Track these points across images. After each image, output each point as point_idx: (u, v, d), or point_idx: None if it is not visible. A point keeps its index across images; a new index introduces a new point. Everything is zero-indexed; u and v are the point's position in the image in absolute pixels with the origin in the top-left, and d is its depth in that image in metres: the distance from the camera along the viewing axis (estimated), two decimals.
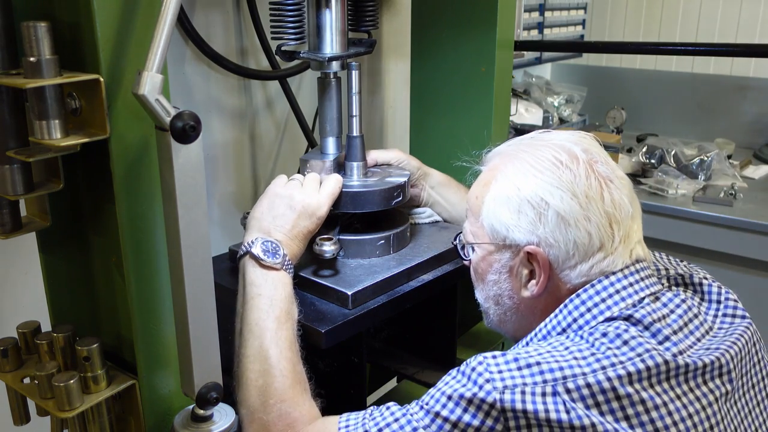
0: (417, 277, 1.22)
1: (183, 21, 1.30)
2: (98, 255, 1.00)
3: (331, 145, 1.27)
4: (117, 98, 0.89)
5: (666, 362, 0.86)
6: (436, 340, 1.41)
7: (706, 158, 2.71)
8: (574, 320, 0.96)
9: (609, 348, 0.87)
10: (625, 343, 0.87)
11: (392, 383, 1.65)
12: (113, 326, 1.02)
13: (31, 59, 0.82)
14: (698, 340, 0.94)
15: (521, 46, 1.75)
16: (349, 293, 1.10)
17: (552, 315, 0.99)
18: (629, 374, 0.84)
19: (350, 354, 1.18)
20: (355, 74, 1.20)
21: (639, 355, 0.86)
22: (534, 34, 3.05)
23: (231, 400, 1.02)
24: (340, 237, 1.21)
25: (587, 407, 0.82)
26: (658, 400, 0.84)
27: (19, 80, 0.82)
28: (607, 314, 0.94)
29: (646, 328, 0.91)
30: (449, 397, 0.87)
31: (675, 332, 0.93)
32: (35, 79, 0.82)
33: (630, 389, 0.83)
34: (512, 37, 1.57)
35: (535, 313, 1.02)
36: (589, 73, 3.54)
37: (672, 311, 0.95)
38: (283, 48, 1.20)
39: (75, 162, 0.95)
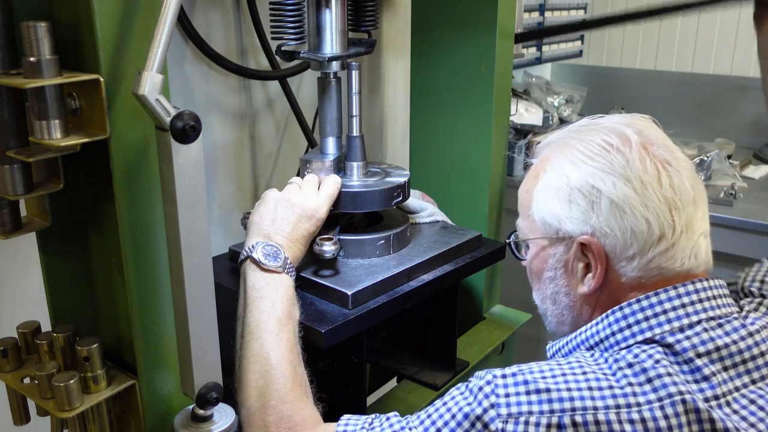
0: (417, 277, 1.22)
1: (183, 21, 1.30)
2: (98, 255, 1.00)
3: (331, 145, 1.27)
4: (117, 98, 0.89)
5: (686, 411, 0.79)
6: (436, 340, 1.41)
7: (706, 158, 2.71)
8: (612, 334, 0.91)
9: (630, 384, 0.81)
10: (649, 381, 0.81)
11: (392, 383, 1.65)
12: (113, 326, 1.02)
13: (31, 59, 0.82)
14: (754, 382, 0.85)
15: (522, 37, 1.75)
16: (349, 293, 1.10)
17: (591, 324, 0.94)
18: (644, 420, 0.78)
19: (350, 354, 1.18)
20: (355, 74, 1.20)
21: (660, 399, 0.79)
22: None
23: (231, 400, 1.02)
24: (340, 237, 1.21)
25: None
26: None
27: (19, 80, 0.82)
28: (648, 335, 0.88)
29: (686, 362, 0.84)
30: (453, 415, 0.84)
31: (725, 369, 0.84)
32: (35, 79, 0.82)
33: None
34: (512, 37, 1.57)
35: (591, 312, 0.97)
36: (589, 73, 3.53)
37: (734, 342, 0.86)
38: (283, 48, 1.20)
39: (75, 162, 0.95)
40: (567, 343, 0.99)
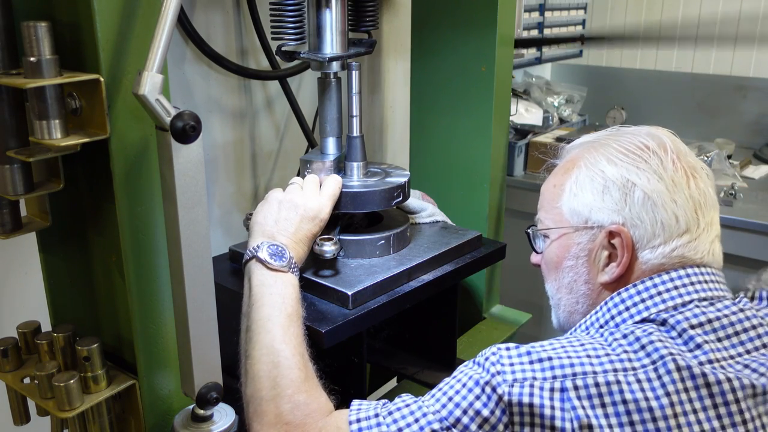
0: (417, 277, 1.22)
1: (183, 21, 1.30)
2: (98, 255, 1.00)
3: (331, 145, 1.27)
4: (117, 98, 0.89)
5: (678, 369, 0.83)
6: (436, 340, 1.41)
7: (706, 158, 2.71)
8: (612, 317, 0.96)
9: (625, 351, 0.86)
10: (643, 347, 0.86)
11: (392, 383, 1.65)
12: (113, 326, 1.02)
13: (32, 59, 0.82)
14: (748, 351, 0.89)
15: (520, 43, 1.76)
16: (350, 293, 1.10)
17: (594, 311, 0.99)
18: (639, 381, 0.83)
19: (350, 354, 1.18)
20: (355, 74, 1.20)
21: (653, 362, 0.84)
22: (534, 34, 3.04)
23: (231, 399, 1.02)
24: (341, 237, 1.21)
25: (593, 406, 0.82)
26: (669, 411, 0.81)
27: (20, 80, 0.82)
28: (645, 314, 0.93)
29: (680, 334, 0.89)
30: (464, 384, 0.88)
31: (719, 339, 0.89)
32: (35, 79, 0.82)
33: (639, 395, 0.82)
34: (512, 36, 1.57)
35: (594, 303, 1.01)
36: (589, 73, 3.53)
37: (726, 316, 0.91)
38: (283, 48, 1.20)
39: (75, 162, 0.95)
40: (573, 331, 1.01)
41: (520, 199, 2.58)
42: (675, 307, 0.92)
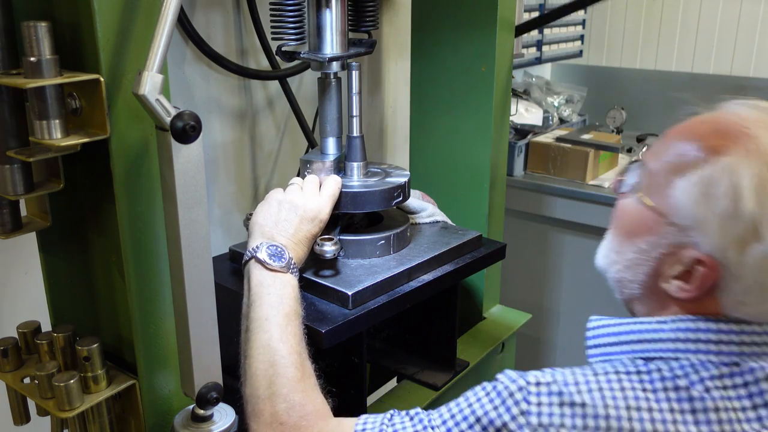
0: (417, 277, 1.22)
1: (183, 21, 1.30)
2: (98, 255, 1.00)
3: (331, 145, 1.27)
4: (117, 98, 0.89)
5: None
6: (436, 340, 1.41)
7: None
8: (671, 340, 0.83)
9: (672, 410, 0.76)
10: (693, 412, 0.76)
11: (392, 383, 1.65)
12: (113, 326, 1.02)
13: (32, 59, 0.82)
14: None
15: (521, 28, 1.75)
16: (350, 293, 1.10)
17: (653, 319, 0.86)
18: None
19: (350, 354, 1.18)
20: (355, 74, 1.20)
21: (697, 422, 0.76)
22: (533, 34, 3.05)
23: (231, 399, 1.02)
24: (341, 237, 1.21)
25: None
26: None
27: (20, 80, 0.82)
28: (713, 358, 0.80)
29: (745, 385, 0.79)
30: (478, 419, 0.82)
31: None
32: (35, 79, 0.82)
33: None
34: (512, 37, 1.57)
35: (655, 303, 0.88)
36: (589, 73, 3.53)
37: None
38: (283, 48, 1.20)
39: (75, 162, 0.95)
40: (618, 326, 0.90)
41: (520, 199, 2.58)
42: (752, 356, 0.79)
